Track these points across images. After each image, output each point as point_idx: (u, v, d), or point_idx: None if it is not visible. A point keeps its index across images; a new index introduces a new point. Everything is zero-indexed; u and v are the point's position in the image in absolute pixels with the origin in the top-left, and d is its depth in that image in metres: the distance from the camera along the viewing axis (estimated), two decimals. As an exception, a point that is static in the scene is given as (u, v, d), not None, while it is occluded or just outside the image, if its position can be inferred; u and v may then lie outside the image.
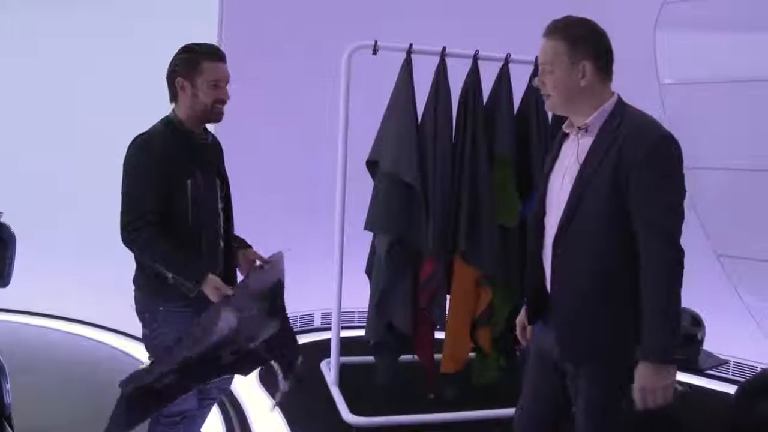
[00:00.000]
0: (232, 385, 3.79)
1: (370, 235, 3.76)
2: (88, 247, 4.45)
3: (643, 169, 1.74)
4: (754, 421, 3.01)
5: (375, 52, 3.61)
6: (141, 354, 2.41)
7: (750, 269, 4.45)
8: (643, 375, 1.75)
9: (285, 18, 4.64)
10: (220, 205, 2.37)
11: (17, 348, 4.25)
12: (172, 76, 2.29)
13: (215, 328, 1.97)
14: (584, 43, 1.84)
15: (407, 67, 3.63)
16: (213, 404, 2.64)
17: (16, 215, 2.54)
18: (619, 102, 1.89)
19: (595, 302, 1.86)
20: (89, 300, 4.81)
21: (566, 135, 2.00)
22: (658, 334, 1.73)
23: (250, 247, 2.52)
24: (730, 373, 4.49)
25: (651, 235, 1.76)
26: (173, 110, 2.32)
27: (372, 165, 3.72)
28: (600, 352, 1.86)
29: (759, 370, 4.25)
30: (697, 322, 3.91)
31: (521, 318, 2.20)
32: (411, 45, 3.61)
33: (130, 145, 2.22)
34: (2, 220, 2.40)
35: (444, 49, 3.64)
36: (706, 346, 4.07)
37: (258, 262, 2.42)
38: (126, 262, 2.34)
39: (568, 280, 1.90)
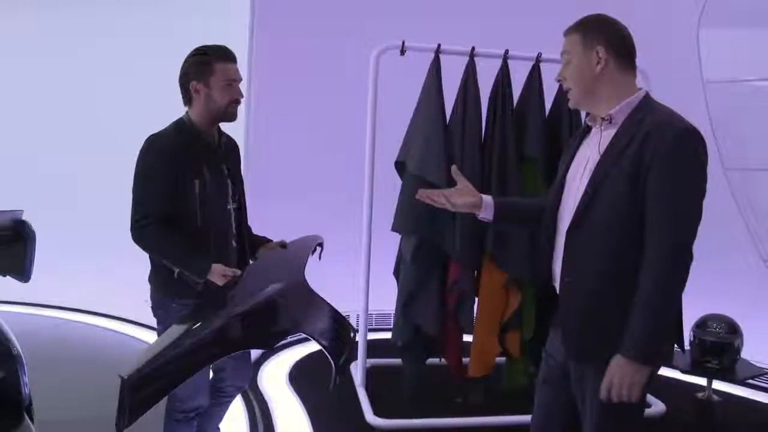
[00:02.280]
0: (260, 384, 3.92)
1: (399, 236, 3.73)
2: (108, 245, 4.57)
3: (661, 163, 1.68)
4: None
5: (403, 52, 3.60)
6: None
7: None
8: (614, 366, 1.71)
9: (313, 19, 4.68)
10: (231, 206, 2.40)
11: (39, 341, 4.36)
12: (185, 81, 2.32)
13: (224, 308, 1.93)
14: (596, 31, 1.86)
15: (435, 68, 3.61)
16: (230, 402, 2.66)
17: (36, 214, 2.63)
18: (646, 97, 1.85)
19: (602, 302, 1.78)
20: (122, 296, 4.93)
21: (588, 129, 1.96)
22: (640, 332, 1.68)
23: (270, 241, 2.56)
24: (780, 384, 4.28)
25: (658, 231, 1.69)
26: (186, 113, 2.36)
27: (401, 166, 3.71)
28: (606, 352, 1.77)
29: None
30: (733, 330, 3.74)
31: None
32: (439, 45, 3.58)
33: (142, 146, 2.27)
34: (23, 218, 2.49)
35: (473, 48, 3.60)
36: (751, 356, 3.90)
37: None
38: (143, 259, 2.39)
39: (577, 276, 1.83)
